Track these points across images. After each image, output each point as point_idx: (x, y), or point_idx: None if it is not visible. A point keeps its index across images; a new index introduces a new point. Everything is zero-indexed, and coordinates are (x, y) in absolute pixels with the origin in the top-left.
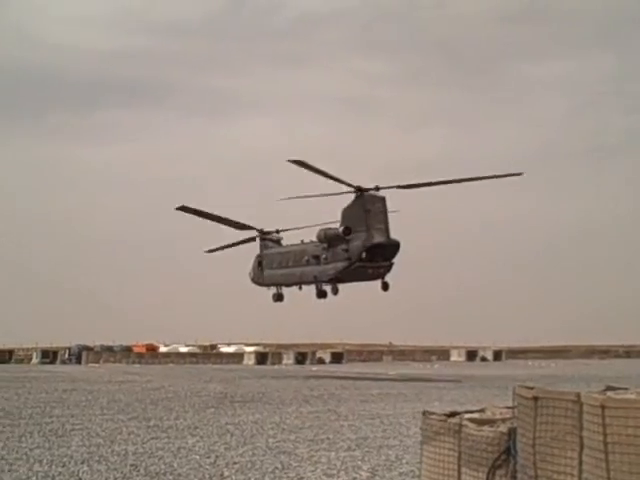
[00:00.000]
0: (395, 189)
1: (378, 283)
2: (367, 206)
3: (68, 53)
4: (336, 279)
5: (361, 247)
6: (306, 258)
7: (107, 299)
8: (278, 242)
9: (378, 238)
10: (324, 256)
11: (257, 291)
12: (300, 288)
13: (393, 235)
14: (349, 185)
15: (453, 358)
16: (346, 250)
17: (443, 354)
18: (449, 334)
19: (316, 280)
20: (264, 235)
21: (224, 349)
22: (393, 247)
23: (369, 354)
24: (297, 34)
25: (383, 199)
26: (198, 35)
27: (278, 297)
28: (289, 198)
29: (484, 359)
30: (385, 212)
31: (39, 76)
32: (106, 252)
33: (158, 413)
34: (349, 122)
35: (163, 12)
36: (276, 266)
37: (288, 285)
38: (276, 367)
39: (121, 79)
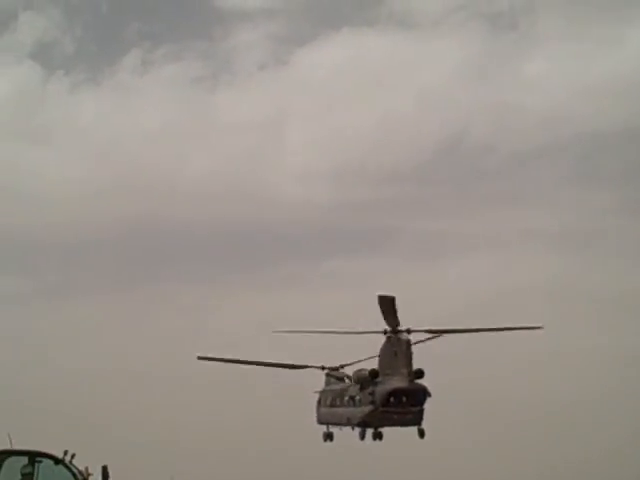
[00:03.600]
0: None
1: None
2: (393, 348)
3: (298, 207)
4: (364, 423)
5: (383, 392)
6: (346, 398)
7: None
8: (342, 379)
9: (399, 383)
10: (358, 398)
11: None
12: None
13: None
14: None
15: None
16: (372, 394)
17: None
18: None
19: (349, 423)
20: (329, 371)
21: None
22: (416, 392)
23: None
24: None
25: (408, 342)
26: (410, 181)
27: (327, 436)
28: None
29: None
30: (409, 355)
31: (273, 230)
32: None
33: None
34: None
35: (378, 163)
36: (328, 404)
37: (334, 425)
38: None
39: (343, 229)
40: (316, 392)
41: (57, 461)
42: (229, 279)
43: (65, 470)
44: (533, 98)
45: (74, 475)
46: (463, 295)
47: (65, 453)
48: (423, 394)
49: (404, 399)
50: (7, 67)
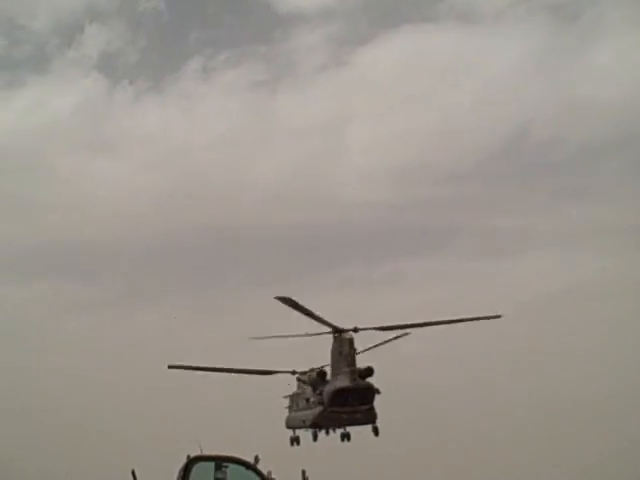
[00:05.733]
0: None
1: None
2: (339, 348)
3: (361, 208)
4: (316, 425)
5: (329, 392)
6: (303, 401)
7: None
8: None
9: (343, 383)
10: (312, 400)
11: None
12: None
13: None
14: (329, 325)
15: None
16: (320, 394)
17: None
18: None
19: (304, 425)
20: (299, 375)
21: None
22: (361, 391)
23: None
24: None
25: (350, 340)
26: (474, 178)
27: (293, 440)
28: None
29: None
30: (352, 354)
31: (335, 232)
32: None
33: None
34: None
35: (440, 161)
36: (293, 408)
37: (298, 428)
38: None
39: (406, 229)
40: (285, 397)
41: (247, 466)
42: (293, 282)
43: (254, 475)
44: (600, 90)
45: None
46: (529, 292)
47: (256, 459)
48: (369, 392)
49: (350, 398)
50: (75, 80)
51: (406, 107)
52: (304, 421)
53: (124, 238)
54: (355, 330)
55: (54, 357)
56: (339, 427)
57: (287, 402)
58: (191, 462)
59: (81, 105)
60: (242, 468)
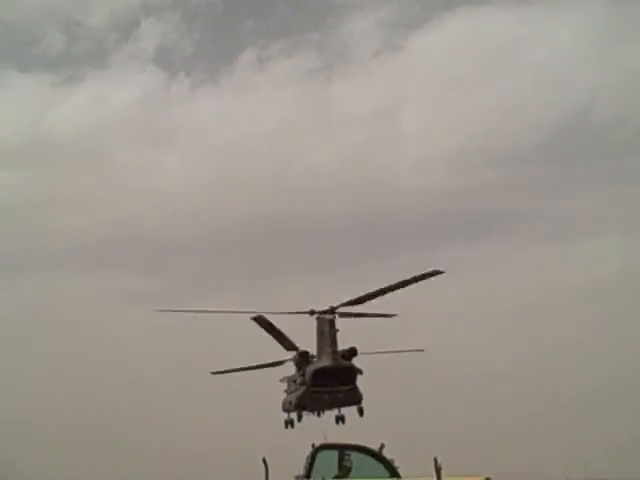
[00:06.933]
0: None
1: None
2: (320, 329)
3: (418, 194)
4: (300, 406)
5: (309, 372)
6: (292, 383)
7: None
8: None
9: (322, 363)
10: (298, 381)
11: None
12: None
13: None
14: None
15: None
16: (303, 375)
17: None
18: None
19: (291, 407)
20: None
21: None
22: (342, 370)
23: None
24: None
25: (330, 321)
26: (534, 161)
27: (287, 423)
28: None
29: None
30: (333, 334)
31: (393, 219)
32: None
33: None
34: None
35: (498, 145)
36: (286, 391)
37: (287, 411)
38: None
39: (463, 215)
40: (281, 380)
41: (372, 454)
42: (350, 270)
43: (378, 463)
44: None
45: (387, 468)
46: (591, 278)
47: (381, 447)
48: (350, 372)
49: (330, 378)
50: (132, 74)
51: (462, 91)
52: (291, 402)
53: (183, 230)
54: (332, 309)
55: (118, 345)
56: (324, 409)
57: (284, 386)
58: (316, 450)
59: (139, 98)
60: (366, 456)
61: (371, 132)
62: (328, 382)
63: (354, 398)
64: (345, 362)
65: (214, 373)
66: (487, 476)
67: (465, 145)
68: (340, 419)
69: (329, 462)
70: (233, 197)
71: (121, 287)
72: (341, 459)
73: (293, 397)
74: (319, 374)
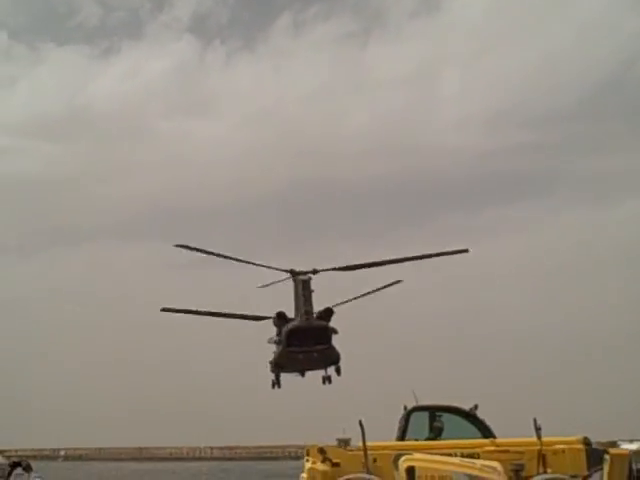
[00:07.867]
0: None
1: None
2: (296, 289)
3: (457, 156)
4: (278, 366)
5: (285, 332)
6: (274, 345)
7: None
8: None
9: (297, 322)
10: (277, 340)
11: None
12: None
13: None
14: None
15: None
16: (279, 334)
17: None
18: None
19: (271, 366)
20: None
21: None
22: (316, 330)
23: None
24: None
25: (305, 281)
26: (576, 120)
27: (273, 383)
28: None
29: None
30: (307, 295)
31: (433, 181)
32: None
33: None
34: None
35: (539, 103)
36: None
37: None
38: None
39: (503, 175)
40: (268, 342)
41: (465, 414)
42: (391, 234)
43: (469, 424)
44: None
45: (480, 429)
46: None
47: (475, 407)
48: (325, 332)
49: (305, 338)
50: (168, 43)
51: (501, 49)
52: (271, 362)
53: (221, 196)
54: (314, 272)
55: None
56: (303, 369)
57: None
58: (409, 412)
59: (175, 68)
60: (458, 417)
61: (407, 95)
62: (303, 342)
63: (331, 358)
64: (319, 322)
65: (163, 310)
66: (584, 435)
67: (505, 105)
68: (327, 379)
69: (421, 423)
70: (270, 162)
71: (157, 255)
72: (432, 420)
73: (272, 357)
74: (293, 334)
